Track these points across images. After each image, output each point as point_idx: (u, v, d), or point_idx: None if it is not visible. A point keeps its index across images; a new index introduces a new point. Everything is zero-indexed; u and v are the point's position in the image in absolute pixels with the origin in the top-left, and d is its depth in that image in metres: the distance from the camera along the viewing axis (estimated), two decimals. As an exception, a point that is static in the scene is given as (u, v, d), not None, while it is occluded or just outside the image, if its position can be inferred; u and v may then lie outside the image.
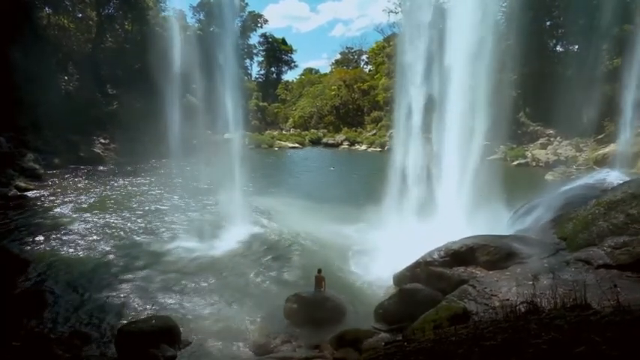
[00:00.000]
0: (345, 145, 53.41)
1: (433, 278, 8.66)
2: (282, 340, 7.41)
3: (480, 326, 3.07)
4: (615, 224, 7.21)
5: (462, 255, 8.67)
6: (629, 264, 6.42)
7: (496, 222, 12.31)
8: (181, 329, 7.41)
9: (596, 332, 2.25)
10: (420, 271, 9.04)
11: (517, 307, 3.58)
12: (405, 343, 3.01)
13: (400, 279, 9.51)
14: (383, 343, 4.76)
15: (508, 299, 6.15)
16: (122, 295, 9.15)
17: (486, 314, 4.89)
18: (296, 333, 7.69)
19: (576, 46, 39.70)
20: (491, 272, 7.89)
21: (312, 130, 61.11)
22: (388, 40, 60.15)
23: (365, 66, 71.50)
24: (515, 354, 2.26)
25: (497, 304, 6.19)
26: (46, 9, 34.57)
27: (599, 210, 7.86)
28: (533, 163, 32.79)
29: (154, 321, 7.25)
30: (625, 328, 2.28)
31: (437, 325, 4.84)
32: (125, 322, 7.63)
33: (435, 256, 9.04)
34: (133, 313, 8.31)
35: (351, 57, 76.92)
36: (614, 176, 11.99)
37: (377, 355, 3.12)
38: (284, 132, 62.04)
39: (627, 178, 10.75)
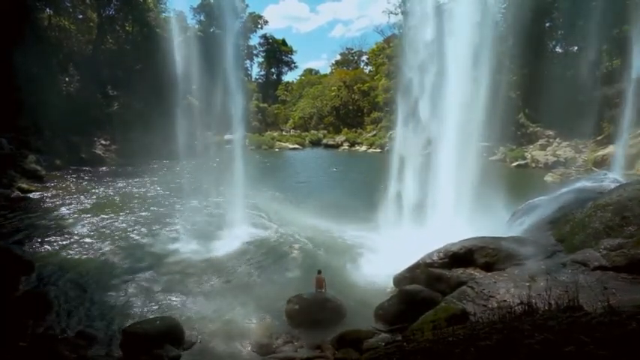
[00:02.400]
0: (345, 146, 53.55)
1: (432, 279, 8.78)
2: (284, 340, 7.53)
3: (476, 327, 3.20)
4: (611, 226, 7.34)
5: (460, 256, 8.79)
6: (624, 266, 6.54)
7: (495, 223, 12.44)
8: (185, 330, 7.52)
9: (585, 333, 2.37)
10: (420, 272, 9.16)
11: (513, 309, 3.71)
12: (405, 343, 3.13)
13: (400, 280, 9.63)
14: (383, 344, 4.88)
15: (506, 300, 6.28)
16: (126, 296, 9.27)
17: (484, 315, 5.00)
18: (297, 333, 7.81)
19: (575, 47, 39.86)
20: (489, 274, 8.01)
21: (313, 131, 61.27)
22: (388, 40, 60.32)
23: (365, 67, 71.64)
24: (510, 353, 2.38)
25: (495, 305, 6.30)
26: (47, 10, 34.66)
27: (595, 212, 7.98)
28: (533, 165, 32.92)
29: (158, 322, 7.37)
30: (612, 328, 2.41)
31: (435, 326, 4.96)
32: (129, 322, 7.74)
33: (435, 257, 9.16)
34: (137, 314, 8.43)
35: (351, 58, 77.09)
36: (610, 179, 12.13)
37: (377, 354, 3.25)
38: (284, 133, 62.20)
39: (624, 181, 10.89)
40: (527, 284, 6.85)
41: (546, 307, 3.50)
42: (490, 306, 6.24)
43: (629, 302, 4.48)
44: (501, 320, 3.18)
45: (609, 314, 2.74)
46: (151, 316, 8.03)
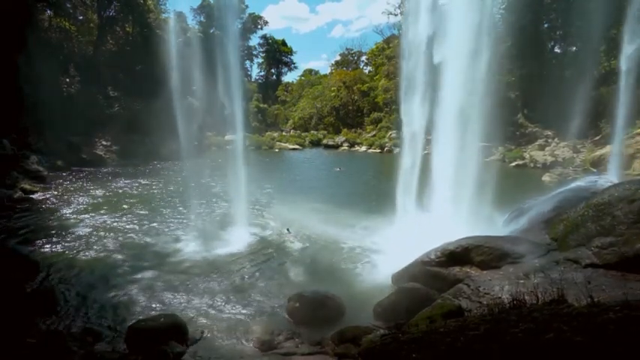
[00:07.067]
0: (345, 146, 53.78)
1: (430, 277, 8.99)
2: (285, 337, 7.72)
3: (467, 319, 3.40)
4: (602, 225, 7.54)
5: (457, 255, 8.99)
6: (614, 263, 6.76)
7: (492, 223, 12.68)
8: (188, 327, 7.71)
9: (565, 322, 2.58)
10: (418, 270, 9.37)
11: (503, 303, 3.92)
12: (400, 335, 3.33)
13: (398, 278, 9.85)
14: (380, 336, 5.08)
15: (500, 297, 6.47)
16: (130, 294, 9.46)
17: (478, 311, 5.20)
18: (298, 330, 8.00)
19: (574, 48, 40.09)
20: (485, 272, 8.21)
21: (312, 132, 61.47)
22: (388, 41, 60.59)
23: (364, 67, 71.85)
24: (495, 341, 2.59)
25: (490, 301, 6.50)
26: (48, 11, 34.83)
27: (588, 212, 8.19)
28: (531, 165, 33.15)
29: (162, 319, 7.54)
30: (591, 318, 2.62)
31: (431, 321, 5.16)
32: (134, 319, 7.93)
33: (432, 256, 9.37)
34: (141, 311, 8.62)
35: (351, 58, 77.35)
36: (604, 179, 12.38)
37: (374, 345, 3.45)
38: (284, 133, 62.38)
39: (616, 181, 11.12)
40: (522, 281, 7.07)
41: (534, 301, 3.70)
42: (485, 302, 6.43)
43: (616, 297, 4.69)
44: (490, 313, 3.39)
45: (590, 306, 2.95)
46: (154, 314, 8.22)
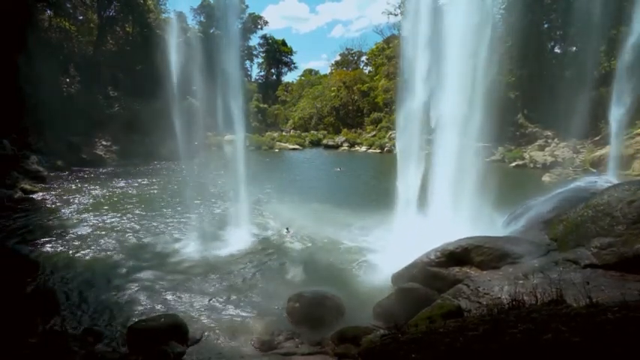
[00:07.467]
0: (345, 146, 53.78)
1: (430, 278, 9.01)
2: (285, 337, 7.74)
3: (467, 320, 3.42)
4: (601, 226, 7.56)
5: (457, 255, 9.00)
6: (613, 264, 6.78)
7: (492, 223, 12.69)
8: (189, 327, 7.73)
9: (563, 323, 2.60)
10: (418, 271, 9.38)
11: (502, 303, 3.93)
12: (400, 335, 3.35)
13: (398, 278, 9.86)
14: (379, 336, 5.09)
15: (499, 297, 6.49)
16: (130, 295, 9.48)
17: (478, 311, 5.21)
18: (298, 330, 8.01)
19: (574, 48, 40.08)
20: (485, 272, 8.22)
21: (312, 132, 61.47)
22: (388, 41, 60.61)
23: (364, 67, 71.85)
24: (494, 341, 2.60)
25: (489, 302, 6.51)
26: (48, 11, 34.84)
27: (587, 212, 8.21)
28: (531, 165, 33.16)
29: (162, 319, 7.56)
30: (588, 319, 2.63)
31: (431, 322, 5.18)
32: (134, 320, 7.95)
33: (432, 256, 9.38)
34: (141, 312, 8.64)
35: (351, 58, 77.32)
36: (603, 180, 12.42)
37: (374, 345, 3.47)
38: (284, 133, 62.38)
39: (615, 182, 11.14)
40: (521, 282, 7.08)
41: (533, 302, 3.72)
42: (484, 303, 6.45)
43: (615, 298, 4.70)
44: (489, 314, 3.40)
45: (588, 307, 2.97)
46: (155, 314, 8.23)
